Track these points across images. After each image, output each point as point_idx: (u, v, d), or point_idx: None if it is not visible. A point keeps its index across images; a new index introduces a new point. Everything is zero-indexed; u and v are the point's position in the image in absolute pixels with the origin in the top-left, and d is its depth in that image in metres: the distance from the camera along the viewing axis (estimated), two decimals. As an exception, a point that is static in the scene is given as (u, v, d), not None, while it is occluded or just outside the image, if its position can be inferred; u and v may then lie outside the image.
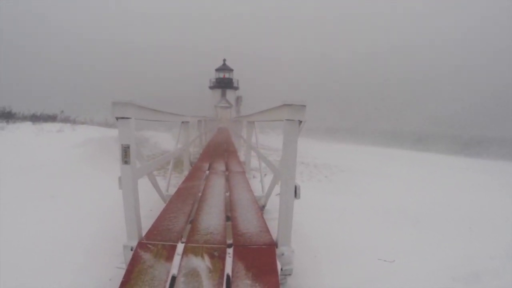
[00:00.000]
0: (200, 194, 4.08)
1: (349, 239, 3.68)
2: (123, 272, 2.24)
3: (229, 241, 2.55)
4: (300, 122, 2.29)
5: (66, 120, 13.97)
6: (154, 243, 2.44)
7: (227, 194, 4.15)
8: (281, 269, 2.38)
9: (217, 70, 34.31)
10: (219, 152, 8.98)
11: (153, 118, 3.37)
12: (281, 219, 2.46)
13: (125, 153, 2.43)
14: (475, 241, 4.00)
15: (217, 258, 2.26)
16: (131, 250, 2.38)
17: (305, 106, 2.24)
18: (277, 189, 3.64)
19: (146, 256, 2.29)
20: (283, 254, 2.42)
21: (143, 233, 2.65)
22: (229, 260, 2.28)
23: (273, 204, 4.15)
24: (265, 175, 5.64)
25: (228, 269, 2.19)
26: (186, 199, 3.76)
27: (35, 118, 12.37)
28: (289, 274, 2.53)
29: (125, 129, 2.42)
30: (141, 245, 2.41)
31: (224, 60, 34.60)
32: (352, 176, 8.81)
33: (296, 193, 2.41)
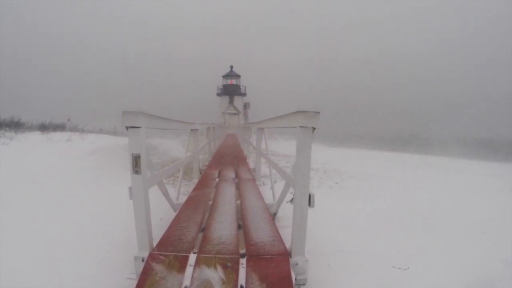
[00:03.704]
0: (210, 202, 4.04)
1: (362, 246, 3.62)
2: (133, 282, 2.21)
3: (242, 251, 2.50)
4: (314, 129, 2.25)
5: (74, 129, 14.04)
6: (166, 254, 2.40)
7: (238, 202, 4.11)
8: (295, 279, 2.33)
9: (224, 76, 34.43)
10: (228, 159, 8.95)
11: (163, 127, 3.36)
12: (295, 228, 2.41)
13: (136, 162, 2.41)
14: (489, 246, 3.92)
15: (230, 269, 2.21)
16: (142, 261, 2.35)
17: (319, 112, 2.20)
18: (288, 196, 3.60)
19: (158, 267, 2.25)
20: (297, 264, 2.37)
21: (154, 243, 2.61)
22: (242, 271, 2.23)
23: (284, 212, 4.10)
24: (275, 182, 5.59)
25: (241, 280, 2.14)
26: (197, 208, 3.73)
27: (44, 128, 12.43)
28: (303, 284, 2.47)
29: (136, 138, 2.40)
30: (153, 256, 2.37)
31: (231, 66, 34.72)
32: (362, 182, 8.72)
33: (310, 202, 2.37)
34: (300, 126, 2.27)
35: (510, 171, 13.71)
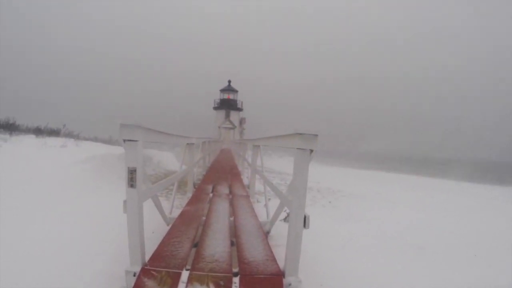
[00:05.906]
0: (204, 218, 4.02)
1: (355, 268, 3.61)
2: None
3: (235, 270, 2.49)
4: (312, 151, 2.27)
5: (69, 135, 13.95)
6: (158, 270, 2.38)
7: (232, 218, 4.09)
8: (288, 300, 2.32)
9: (222, 90, 34.53)
10: (223, 174, 8.92)
11: (160, 140, 3.36)
12: (289, 248, 2.41)
13: (131, 176, 2.40)
14: (481, 268, 3.95)
15: (223, 287, 2.20)
16: (134, 275, 2.33)
17: (317, 135, 2.23)
18: (282, 214, 3.59)
19: (150, 283, 2.23)
20: (290, 285, 2.35)
21: (146, 257, 2.59)
22: (235, 290, 2.22)
23: (277, 230, 4.09)
24: (269, 199, 5.58)
25: (233, 300, 2.13)
26: (190, 223, 3.70)
27: (39, 132, 12.33)
28: (296, 305, 2.45)
29: (132, 151, 2.40)
30: (145, 271, 2.35)
31: (229, 81, 34.87)
32: (356, 202, 8.74)
33: (305, 223, 2.37)
34: (297, 148, 2.29)
35: (495, 192, 13.96)
